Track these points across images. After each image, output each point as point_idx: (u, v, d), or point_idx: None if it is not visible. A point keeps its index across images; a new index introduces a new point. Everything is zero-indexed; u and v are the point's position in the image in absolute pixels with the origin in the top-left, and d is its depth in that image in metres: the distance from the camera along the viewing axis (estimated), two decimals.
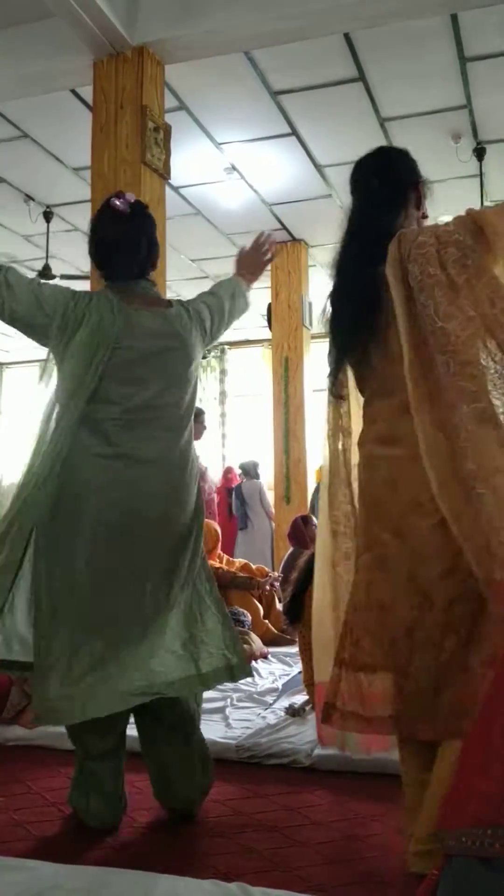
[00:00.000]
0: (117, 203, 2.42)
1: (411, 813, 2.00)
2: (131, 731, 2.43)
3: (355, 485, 2.22)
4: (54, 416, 2.28)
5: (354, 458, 2.22)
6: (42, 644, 2.24)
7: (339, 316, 2.12)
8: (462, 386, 1.88)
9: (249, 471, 9.27)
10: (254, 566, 5.65)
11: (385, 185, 2.15)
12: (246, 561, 5.78)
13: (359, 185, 2.21)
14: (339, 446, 2.25)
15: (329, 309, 2.20)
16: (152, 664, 2.24)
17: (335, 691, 2.09)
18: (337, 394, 2.20)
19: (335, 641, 2.17)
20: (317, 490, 7.65)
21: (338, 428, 2.25)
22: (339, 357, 2.14)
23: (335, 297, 2.15)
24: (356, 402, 2.27)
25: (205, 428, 6.45)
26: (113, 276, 2.43)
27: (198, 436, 6.34)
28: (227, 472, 9.76)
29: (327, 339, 2.28)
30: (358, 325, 2.05)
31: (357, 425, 2.25)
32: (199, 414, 6.36)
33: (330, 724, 2.12)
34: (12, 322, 2.32)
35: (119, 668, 2.21)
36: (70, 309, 2.30)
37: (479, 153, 6.15)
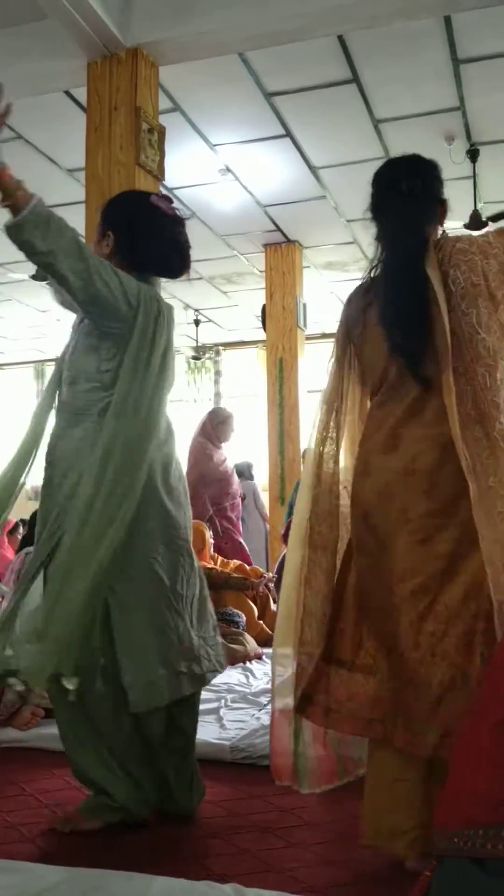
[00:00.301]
0: (172, 207, 2.48)
1: (393, 813, 1.99)
2: None
3: (343, 493, 2.21)
4: (148, 410, 2.27)
5: (340, 465, 2.22)
6: (134, 631, 2.27)
7: (391, 315, 2.07)
8: (497, 402, 1.90)
9: (244, 472, 9.25)
10: (248, 567, 5.65)
11: (425, 192, 2.14)
12: (240, 562, 5.79)
13: (392, 187, 2.15)
14: (326, 451, 2.22)
15: (355, 309, 2.19)
16: (200, 643, 2.41)
17: (314, 685, 2.10)
18: (429, 376, 2.03)
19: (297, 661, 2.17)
20: (295, 489, 7.66)
21: (327, 434, 2.23)
22: (417, 353, 2.03)
23: (385, 297, 2.10)
24: (351, 408, 2.25)
25: (233, 430, 6.43)
26: (161, 275, 2.47)
27: (226, 438, 6.35)
28: None
29: (331, 339, 2.28)
30: (412, 326, 2.02)
31: (349, 432, 2.24)
32: (228, 417, 6.35)
33: (306, 717, 2.14)
34: (87, 301, 2.24)
35: (182, 644, 2.33)
36: (148, 300, 2.31)
37: (473, 155, 6.17)
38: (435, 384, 1.99)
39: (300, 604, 2.18)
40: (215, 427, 6.29)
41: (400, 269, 2.07)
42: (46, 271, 2.18)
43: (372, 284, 2.17)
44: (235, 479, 6.52)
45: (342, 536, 2.20)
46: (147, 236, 2.42)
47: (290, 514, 7.58)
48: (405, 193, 2.12)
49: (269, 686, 3.82)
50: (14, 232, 2.09)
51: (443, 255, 2.01)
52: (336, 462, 2.22)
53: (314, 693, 2.10)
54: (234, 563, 5.68)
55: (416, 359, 2.01)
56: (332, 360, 2.26)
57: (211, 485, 6.09)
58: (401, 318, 2.04)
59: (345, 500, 2.21)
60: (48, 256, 2.12)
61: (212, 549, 5.52)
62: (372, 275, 2.19)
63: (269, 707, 3.43)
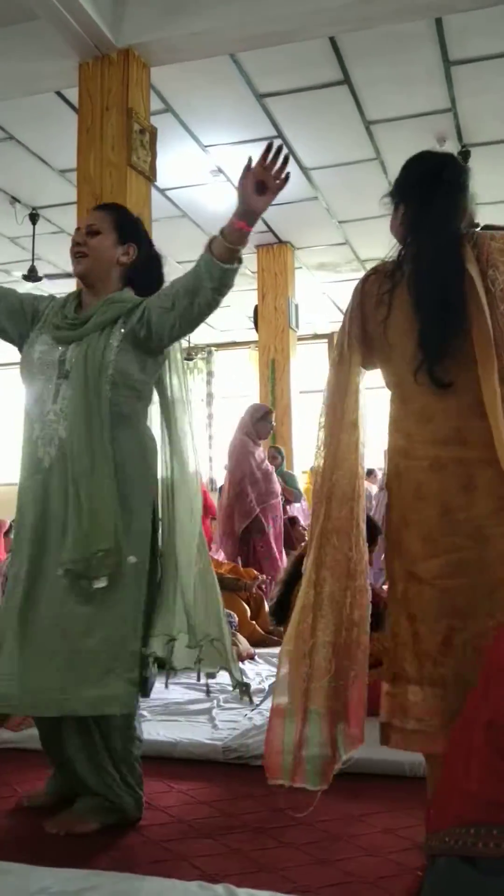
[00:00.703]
0: None
1: None
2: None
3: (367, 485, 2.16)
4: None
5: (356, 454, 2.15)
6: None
7: (428, 307, 2.03)
8: None
9: None
10: (242, 568, 5.64)
11: (462, 185, 2.13)
12: (234, 563, 5.78)
13: (436, 174, 2.11)
14: (353, 440, 2.13)
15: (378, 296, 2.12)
16: None
17: (390, 710, 2.02)
18: (446, 381, 2.00)
19: (312, 663, 2.05)
20: None
21: (347, 421, 2.14)
22: (440, 346, 2.00)
23: (421, 285, 2.05)
24: (359, 394, 2.17)
25: (272, 426, 6.38)
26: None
27: (266, 434, 6.31)
28: None
29: (324, 340, 2.24)
30: (447, 319, 1.99)
31: (362, 419, 2.17)
32: (268, 413, 6.30)
33: (389, 745, 2.04)
34: (191, 330, 2.40)
35: None
36: None
37: (464, 156, 6.20)
38: (459, 383, 1.97)
39: (319, 593, 2.08)
40: (255, 424, 6.14)
41: (439, 258, 2.03)
42: (213, 304, 2.30)
43: (397, 269, 2.10)
44: (276, 477, 6.38)
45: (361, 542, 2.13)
46: (159, 264, 2.58)
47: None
48: (447, 182, 2.09)
49: (261, 686, 3.84)
50: (231, 276, 2.26)
51: (479, 252, 1.99)
52: (357, 449, 2.14)
53: (390, 718, 2.02)
54: (229, 563, 5.67)
55: (438, 357, 1.99)
56: (345, 340, 2.17)
57: (256, 483, 6.00)
58: (437, 313, 2.00)
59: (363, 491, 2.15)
60: (224, 297, 2.30)
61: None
62: (399, 258, 2.12)
63: (261, 707, 3.44)
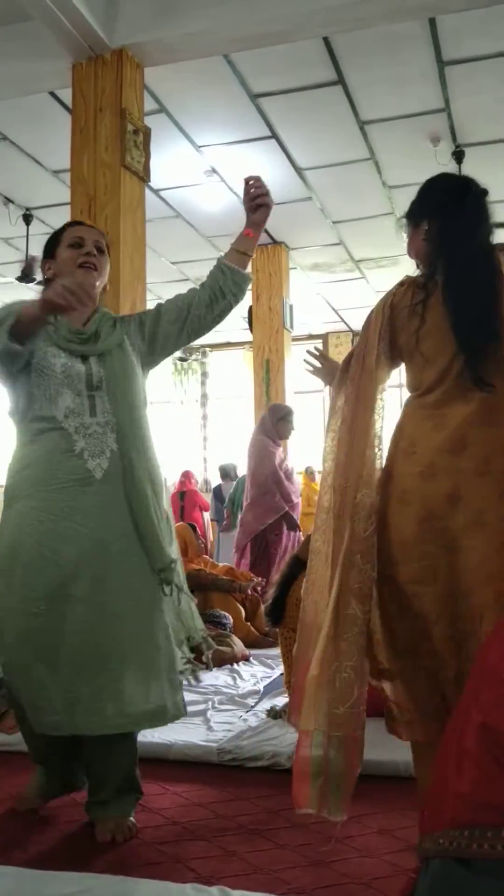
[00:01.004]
0: None
1: None
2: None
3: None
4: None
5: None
6: None
7: (462, 314, 2.05)
8: None
9: (229, 473, 9.30)
10: (238, 570, 5.64)
11: (487, 206, 2.18)
12: (231, 565, 5.78)
13: (465, 187, 2.18)
14: (374, 455, 2.12)
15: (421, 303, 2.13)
16: None
17: (389, 706, 2.09)
18: (488, 381, 2.03)
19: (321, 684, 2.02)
20: (240, 484, 7.54)
21: (370, 435, 2.13)
22: (482, 346, 2.04)
23: (458, 294, 2.07)
24: (381, 404, 2.17)
25: (293, 428, 6.34)
26: None
27: (286, 434, 6.28)
28: (183, 475, 9.75)
29: (318, 340, 2.25)
30: (487, 324, 2.03)
31: (375, 428, 2.16)
32: (289, 413, 6.27)
33: (396, 734, 2.11)
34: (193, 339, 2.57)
35: None
36: None
37: (458, 156, 6.20)
38: (499, 387, 2.00)
39: (344, 618, 2.03)
40: (276, 424, 6.12)
41: (473, 263, 2.08)
42: (227, 311, 2.55)
43: (429, 280, 2.12)
44: (296, 478, 6.36)
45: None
46: None
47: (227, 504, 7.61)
48: (473, 196, 2.15)
49: (256, 688, 3.84)
50: (247, 283, 2.57)
51: None
52: (377, 463, 2.12)
53: (393, 710, 2.09)
54: (224, 566, 5.67)
55: (480, 358, 2.02)
56: (371, 356, 2.16)
57: (280, 483, 5.97)
58: (475, 316, 2.04)
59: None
60: (237, 305, 2.57)
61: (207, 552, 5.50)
62: (431, 269, 2.14)
63: (256, 709, 3.44)
